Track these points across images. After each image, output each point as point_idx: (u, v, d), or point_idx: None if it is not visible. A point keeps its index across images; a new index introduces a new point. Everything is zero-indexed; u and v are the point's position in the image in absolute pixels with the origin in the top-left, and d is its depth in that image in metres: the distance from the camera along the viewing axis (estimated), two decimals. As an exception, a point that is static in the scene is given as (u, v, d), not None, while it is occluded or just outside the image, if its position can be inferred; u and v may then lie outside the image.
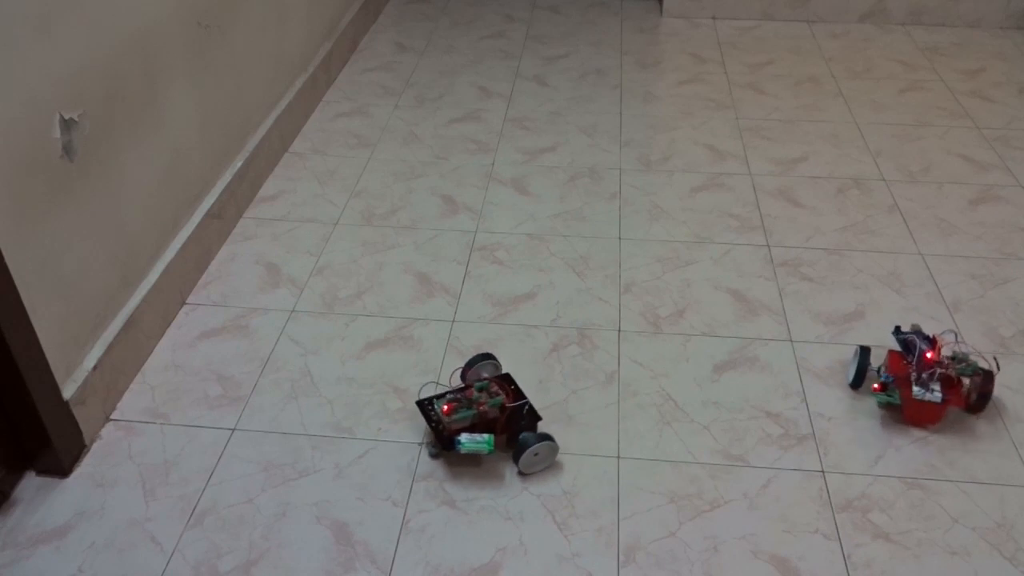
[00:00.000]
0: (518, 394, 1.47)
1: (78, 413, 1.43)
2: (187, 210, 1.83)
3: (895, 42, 2.97)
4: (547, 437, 1.39)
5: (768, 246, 1.96)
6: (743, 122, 2.48)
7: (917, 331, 1.55)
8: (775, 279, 1.85)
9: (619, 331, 1.72)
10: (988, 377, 1.47)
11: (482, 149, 2.35)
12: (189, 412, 1.54)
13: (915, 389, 1.45)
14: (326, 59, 2.61)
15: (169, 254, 1.73)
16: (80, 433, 1.45)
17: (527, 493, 1.39)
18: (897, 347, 1.56)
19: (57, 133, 1.36)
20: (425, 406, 1.45)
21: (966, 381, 1.48)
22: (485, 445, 1.37)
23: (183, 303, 1.79)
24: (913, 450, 1.46)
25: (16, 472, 1.41)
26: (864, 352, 1.54)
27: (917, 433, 1.49)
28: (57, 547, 1.31)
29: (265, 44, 2.18)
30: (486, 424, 1.41)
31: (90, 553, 1.30)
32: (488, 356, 1.53)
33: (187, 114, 1.80)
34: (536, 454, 1.38)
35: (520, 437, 1.39)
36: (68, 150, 1.39)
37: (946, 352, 1.56)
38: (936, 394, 1.44)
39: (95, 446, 1.47)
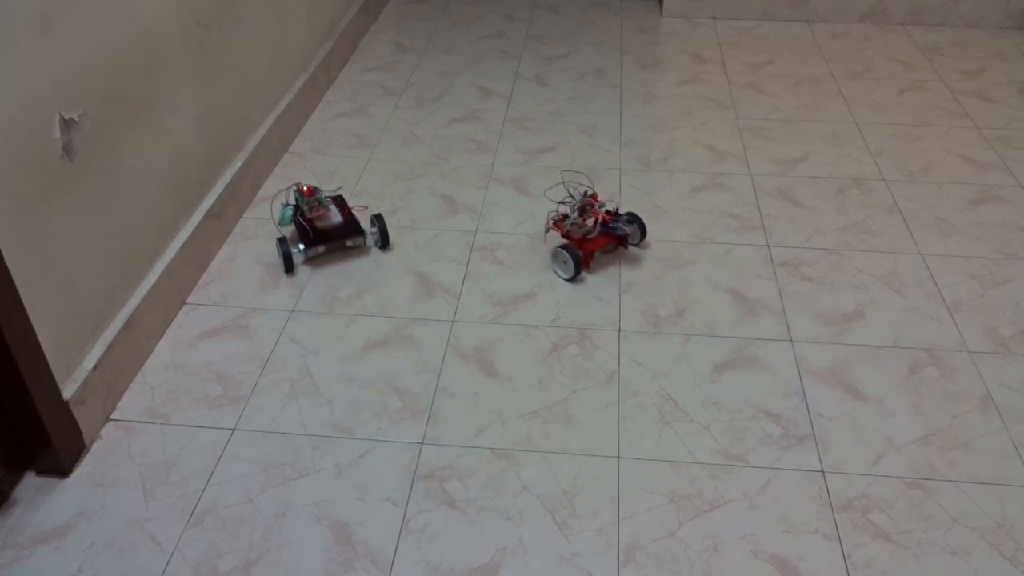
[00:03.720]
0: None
1: (78, 413, 1.43)
2: (187, 210, 1.83)
3: (895, 42, 2.97)
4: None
5: (768, 246, 1.96)
6: (743, 122, 2.48)
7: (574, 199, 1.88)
8: (775, 279, 1.85)
9: (619, 331, 1.72)
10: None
11: (482, 149, 2.35)
12: (189, 412, 1.54)
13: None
14: (326, 59, 2.61)
15: (169, 254, 1.73)
16: (80, 433, 1.45)
17: (527, 493, 1.39)
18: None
19: (57, 133, 1.36)
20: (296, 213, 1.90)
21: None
22: (282, 216, 1.90)
23: (183, 303, 1.79)
24: (913, 450, 1.46)
25: (16, 472, 1.41)
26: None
27: (917, 433, 1.49)
28: (57, 547, 1.31)
29: (265, 44, 2.18)
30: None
31: (90, 553, 1.30)
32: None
33: (187, 114, 1.80)
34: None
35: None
36: (68, 150, 1.39)
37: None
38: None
39: (95, 446, 1.47)
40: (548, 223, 1.91)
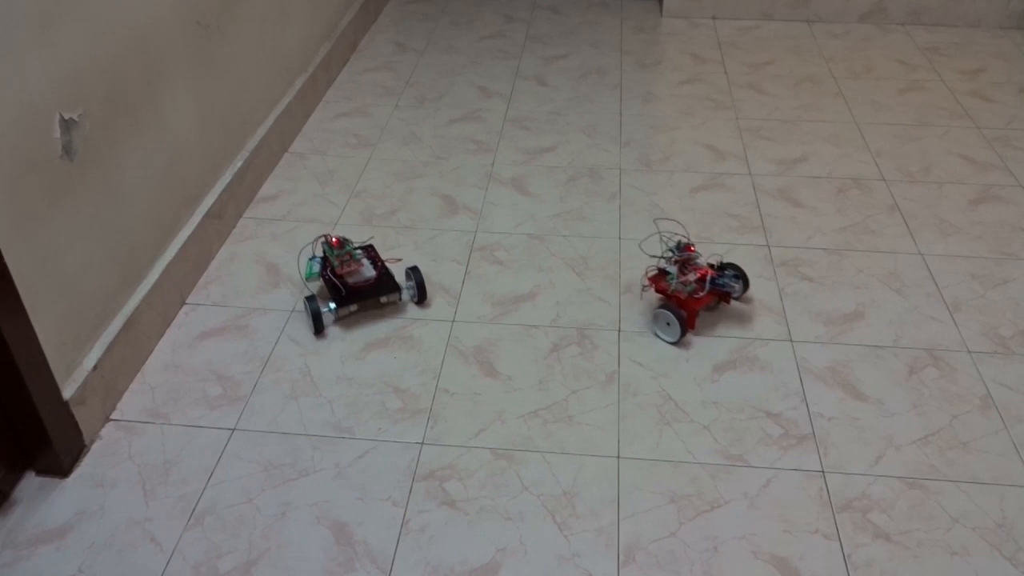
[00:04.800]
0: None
1: (78, 413, 1.43)
2: (187, 210, 1.83)
3: (895, 42, 2.97)
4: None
5: (768, 246, 1.96)
6: (743, 122, 2.48)
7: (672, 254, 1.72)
8: (775, 279, 1.85)
9: (619, 331, 1.72)
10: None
11: (482, 149, 2.35)
12: (189, 412, 1.54)
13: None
14: (326, 59, 2.61)
15: (169, 254, 1.73)
16: (80, 433, 1.45)
17: (527, 493, 1.39)
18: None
19: (57, 133, 1.36)
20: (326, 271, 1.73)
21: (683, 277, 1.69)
22: (309, 271, 1.74)
23: (183, 303, 1.79)
24: (913, 450, 1.46)
25: (16, 472, 1.41)
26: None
27: (917, 433, 1.49)
28: (57, 547, 1.31)
29: (265, 44, 2.18)
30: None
31: (90, 553, 1.30)
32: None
33: (187, 114, 1.80)
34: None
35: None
36: (68, 150, 1.39)
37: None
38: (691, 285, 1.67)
39: (95, 446, 1.47)
40: (644, 280, 1.79)
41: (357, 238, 1.98)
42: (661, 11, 3.23)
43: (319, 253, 1.78)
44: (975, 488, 1.39)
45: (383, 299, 1.75)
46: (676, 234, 1.94)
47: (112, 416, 1.53)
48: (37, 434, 1.37)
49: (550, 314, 1.76)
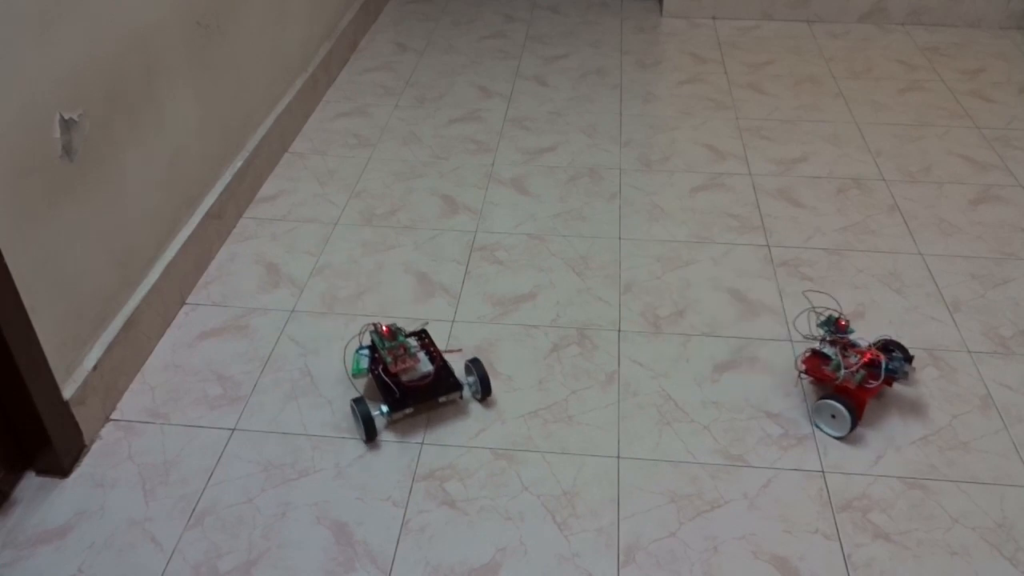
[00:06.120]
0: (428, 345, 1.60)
1: (78, 413, 1.43)
2: (187, 210, 1.83)
3: (895, 42, 2.97)
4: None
5: (768, 246, 1.96)
6: (743, 122, 2.48)
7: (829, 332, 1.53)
8: (775, 279, 1.85)
9: (619, 331, 1.72)
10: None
11: (482, 149, 2.35)
12: (189, 412, 1.54)
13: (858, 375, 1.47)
14: (326, 59, 2.61)
15: (169, 254, 1.73)
16: (80, 433, 1.45)
17: (527, 493, 1.39)
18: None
19: (57, 133, 1.36)
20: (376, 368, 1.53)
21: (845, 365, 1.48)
22: (356, 366, 1.55)
23: (183, 303, 1.79)
24: (913, 450, 1.46)
25: (16, 472, 1.41)
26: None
27: (917, 433, 1.49)
28: (57, 547, 1.31)
29: (265, 44, 2.18)
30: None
31: (90, 553, 1.30)
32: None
33: (187, 114, 1.80)
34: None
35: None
36: (68, 150, 1.39)
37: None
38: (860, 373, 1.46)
39: (95, 446, 1.47)
40: (799, 364, 1.54)
41: (358, 238, 1.99)
42: (661, 11, 3.23)
43: (366, 342, 1.58)
44: (975, 488, 1.39)
45: (442, 399, 1.52)
46: (828, 309, 1.64)
47: (112, 416, 1.53)
48: (37, 434, 1.37)
49: (550, 314, 1.76)
